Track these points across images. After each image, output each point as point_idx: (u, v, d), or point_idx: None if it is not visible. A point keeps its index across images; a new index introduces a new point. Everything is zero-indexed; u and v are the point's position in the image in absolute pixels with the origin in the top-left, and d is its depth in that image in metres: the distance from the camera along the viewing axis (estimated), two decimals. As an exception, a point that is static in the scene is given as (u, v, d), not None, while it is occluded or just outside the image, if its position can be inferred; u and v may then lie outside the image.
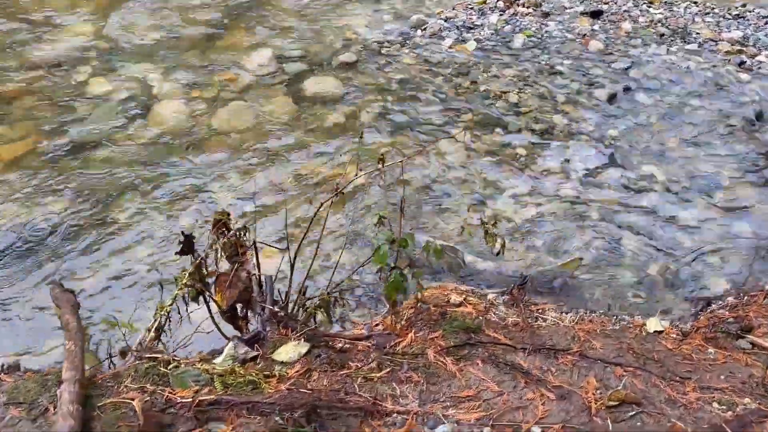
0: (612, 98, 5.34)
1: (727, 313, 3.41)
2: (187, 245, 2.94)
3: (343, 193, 3.08)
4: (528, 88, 5.45)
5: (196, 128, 5.00)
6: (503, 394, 2.57)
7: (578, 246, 4.03)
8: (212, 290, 3.06)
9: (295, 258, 2.95)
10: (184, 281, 2.69)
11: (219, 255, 2.93)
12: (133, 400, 2.34)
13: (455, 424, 2.44)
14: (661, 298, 3.69)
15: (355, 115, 5.18)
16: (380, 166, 2.75)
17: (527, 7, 6.63)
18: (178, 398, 2.39)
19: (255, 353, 2.96)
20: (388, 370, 2.66)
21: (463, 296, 3.36)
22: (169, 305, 2.70)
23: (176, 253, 2.93)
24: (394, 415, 2.46)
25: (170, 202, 4.31)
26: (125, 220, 4.19)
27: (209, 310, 3.09)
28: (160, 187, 4.43)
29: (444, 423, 2.44)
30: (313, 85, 5.49)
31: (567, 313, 3.36)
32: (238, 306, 3.19)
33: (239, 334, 3.07)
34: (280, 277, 3.23)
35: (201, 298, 3.04)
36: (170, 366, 2.53)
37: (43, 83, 5.41)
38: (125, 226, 4.14)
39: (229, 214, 2.92)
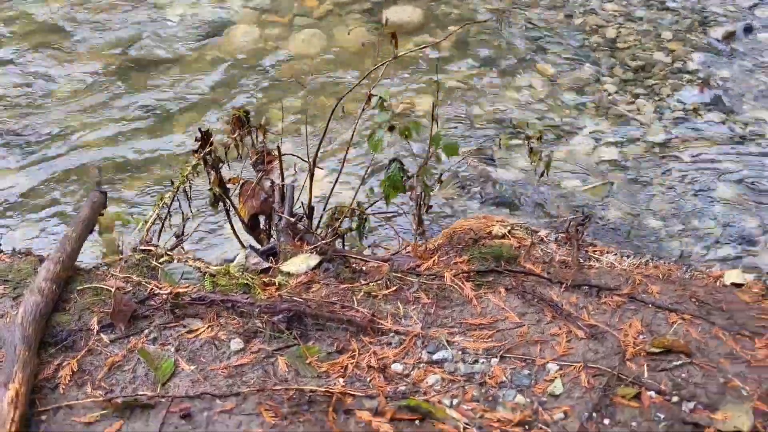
0: (729, 37, 4.64)
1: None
2: (205, 141, 2.76)
3: (371, 97, 2.75)
4: (630, 23, 4.85)
5: (267, 53, 4.85)
6: (522, 326, 2.21)
7: (659, 192, 3.51)
8: (234, 199, 2.90)
9: (313, 168, 2.69)
10: (186, 174, 2.51)
11: (238, 153, 2.73)
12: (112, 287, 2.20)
13: (459, 352, 2.11)
14: (751, 255, 3.13)
15: (435, 46, 4.82)
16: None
17: (644, -59, 5.92)
18: (161, 291, 2.22)
19: (267, 265, 2.76)
20: (396, 288, 2.36)
21: (508, 228, 2.98)
22: (170, 197, 2.53)
23: (194, 152, 2.76)
24: (391, 334, 2.17)
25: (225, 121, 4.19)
26: (182, 137, 4.11)
27: (229, 218, 2.93)
28: (219, 107, 4.32)
29: (446, 349, 2.12)
30: (392, 14, 5.16)
31: (628, 257, 2.90)
32: (261, 218, 3.01)
33: (256, 245, 2.89)
34: (322, 197, 3.02)
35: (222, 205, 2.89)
36: (162, 260, 2.37)
37: (126, 3, 5.45)
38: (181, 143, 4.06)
39: (248, 113, 2.71)
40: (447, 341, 2.14)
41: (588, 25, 4.86)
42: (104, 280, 2.29)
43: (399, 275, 2.43)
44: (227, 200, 2.87)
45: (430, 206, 2.60)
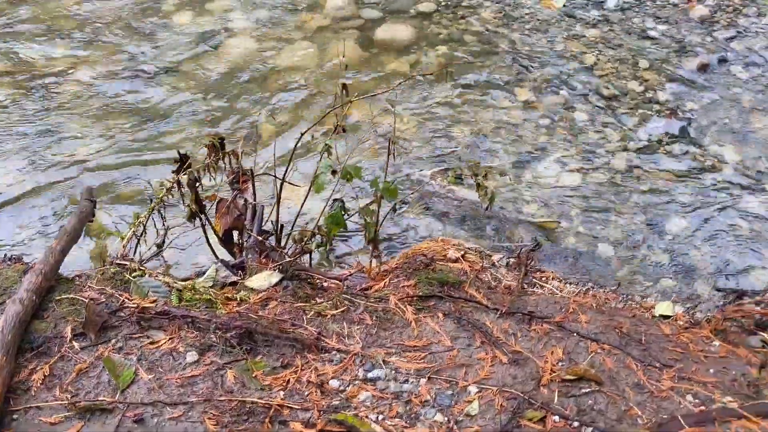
0: (703, 68, 4.83)
1: (757, 309, 3.02)
2: (182, 163, 3.01)
3: (345, 131, 3.00)
4: (609, 50, 5.05)
5: (260, 64, 5.08)
6: (453, 350, 2.45)
7: (616, 220, 3.72)
8: (212, 214, 3.15)
9: (281, 188, 2.93)
10: (161, 196, 2.76)
11: (211, 176, 2.98)
12: (87, 299, 2.46)
13: (392, 371, 2.35)
14: (692, 285, 3.34)
15: (420, 66, 5.04)
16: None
17: (635, -34, 6.09)
18: (131, 304, 2.48)
19: (236, 279, 3.02)
20: (344, 309, 2.60)
21: (462, 252, 3.21)
22: (145, 216, 2.78)
23: (173, 172, 3.01)
24: (334, 352, 2.41)
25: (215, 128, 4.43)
26: (172, 143, 4.35)
27: (205, 233, 3.18)
28: (210, 114, 4.56)
29: (381, 368, 2.36)
30: (382, 32, 5.40)
31: (571, 284, 3.13)
32: (235, 233, 3.26)
33: (227, 259, 3.14)
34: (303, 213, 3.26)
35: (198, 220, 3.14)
36: (134, 274, 2.62)
37: (134, 10, 5.70)
38: (171, 146, 4.30)
39: (222, 139, 2.95)
40: (383, 361, 2.39)
41: (569, 51, 5.06)
42: (81, 291, 2.54)
43: (348, 297, 2.67)
44: (203, 216, 3.12)
45: (377, 242, 2.82)
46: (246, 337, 2.36)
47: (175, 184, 2.78)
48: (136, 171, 4.08)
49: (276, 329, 2.42)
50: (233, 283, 2.96)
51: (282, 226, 3.18)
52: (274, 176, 3.04)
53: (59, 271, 2.73)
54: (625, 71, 4.82)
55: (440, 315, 2.61)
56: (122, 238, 2.79)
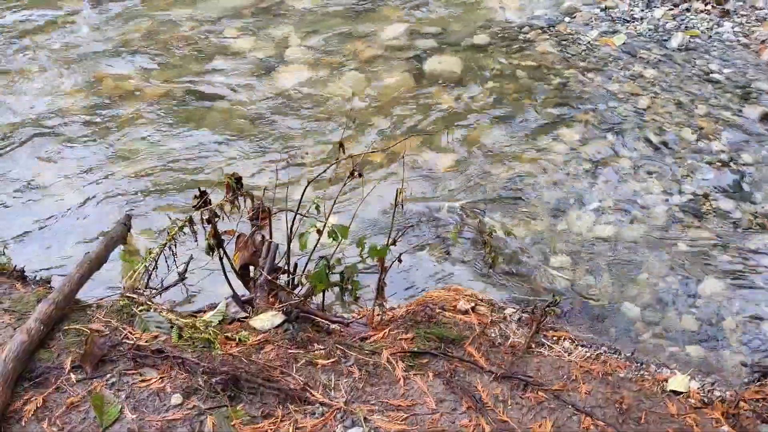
0: (765, 118, 4.56)
1: (784, 391, 2.83)
2: (203, 200, 3.11)
3: (361, 175, 3.02)
4: (666, 93, 4.85)
5: (312, 92, 5.18)
6: (436, 413, 2.41)
7: (647, 278, 3.57)
8: (226, 249, 3.23)
9: (291, 227, 2.97)
10: (173, 234, 2.86)
11: (225, 215, 3.06)
12: (92, 330, 2.58)
13: (372, 430, 2.35)
14: (718, 358, 3.16)
15: (468, 100, 5.00)
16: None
17: (707, 4, 5.84)
18: (126, 340, 2.58)
19: (244, 315, 3.08)
20: (335, 359, 2.61)
21: (473, 303, 3.16)
22: (158, 252, 2.88)
23: (193, 207, 3.11)
24: (317, 405, 2.42)
25: (262, 155, 4.53)
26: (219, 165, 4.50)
27: (222, 266, 3.26)
28: (258, 141, 4.68)
29: (361, 426, 2.36)
30: (434, 64, 5.40)
31: (583, 347, 3.02)
32: (252, 267, 3.33)
33: (243, 293, 3.21)
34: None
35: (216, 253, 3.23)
36: (141, 308, 2.73)
37: (199, 35, 5.93)
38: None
39: (239, 178, 3.03)
40: (364, 419, 2.38)
41: (623, 92, 4.90)
42: (89, 322, 2.67)
43: (343, 346, 2.68)
44: (221, 250, 3.21)
45: (383, 291, 2.82)
46: (231, 383, 2.41)
47: (187, 222, 2.87)
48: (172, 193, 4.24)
49: (262, 377, 2.46)
50: (243, 318, 3.03)
51: (296, 264, 3.22)
52: (296, 212, 3.08)
53: (78, 297, 2.89)
54: (680, 117, 4.62)
55: (431, 374, 2.58)
56: (134, 271, 2.91)
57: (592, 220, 3.92)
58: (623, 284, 3.56)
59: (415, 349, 2.69)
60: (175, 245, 2.93)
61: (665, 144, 4.41)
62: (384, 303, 2.97)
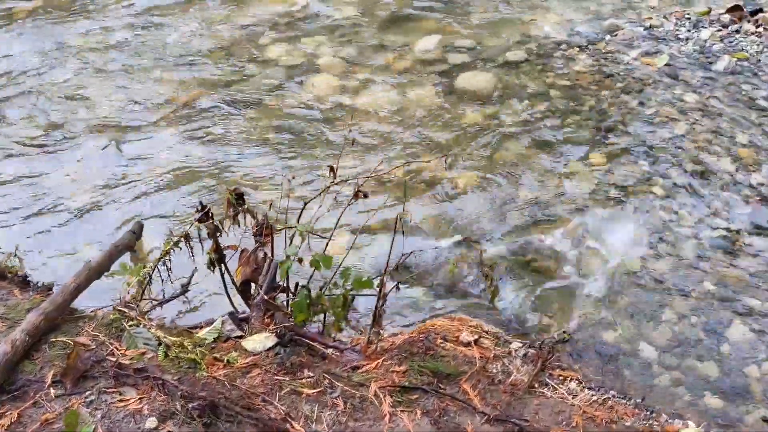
0: (813, 150, 4.29)
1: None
2: (204, 215, 3.06)
3: (366, 196, 2.93)
4: (707, 120, 4.60)
5: (339, 102, 5.11)
6: (418, 456, 2.29)
7: (669, 318, 3.36)
8: (228, 263, 3.17)
9: (290, 244, 2.88)
10: (167, 249, 2.81)
11: (229, 229, 3.00)
12: (78, 344, 2.54)
13: (349, 469, 2.24)
14: (738, 410, 2.94)
15: (497, 119, 4.85)
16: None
17: (759, 26, 5.55)
18: (109, 357, 2.53)
19: (240, 334, 3.02)
20: (321, 389, 2.51)
21: (477, 336, 3.02)
22: (152, 267, 2.84)
23: (195, 220, 3.06)
24: (296, 437, 2.33)
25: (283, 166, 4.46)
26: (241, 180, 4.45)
27: (223, 281, 3.20)
28: (279, 151, 4.62)
29: (339, 464, 2.26)
30: (466, 79, 5.26)
31: (590, 389, 2.85)
32: (253, 284, 3.27)
33: (238, 311, 3.14)
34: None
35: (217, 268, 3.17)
36: (131, 323, 2.68)
37: (234, 42, 5.93)
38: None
39: (240, 194, 2.97)
40: (343, 456, 2.28)
41: (660, 116, 4.67)
42: (78, 334, 2.64)
43: (330, 376, 2.58)
44: (222, 265, 3.15)
45: (380, 319, 2.71)
46: (209, 409, 2.33)
47: (182, 238, 2.82)
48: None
49: (242, 404, 2.38)
50: (238, 338, 2.97)
51: (297, 284, 3.14)
52: (309, 231, 3.00)
53: (75, 307, 2.87)
54: (719, 145, 4.38)
55: (419, 412, 2.46)
56: (127, 284, 2.87)
57: (615, 252, 3.72)
58: (643, 322, 3.36)
59: (406, 384, 2.57)
60: (170, 260, 2.88)
61: (701, 174, 4.18)
62: (381, 330, 2.86)
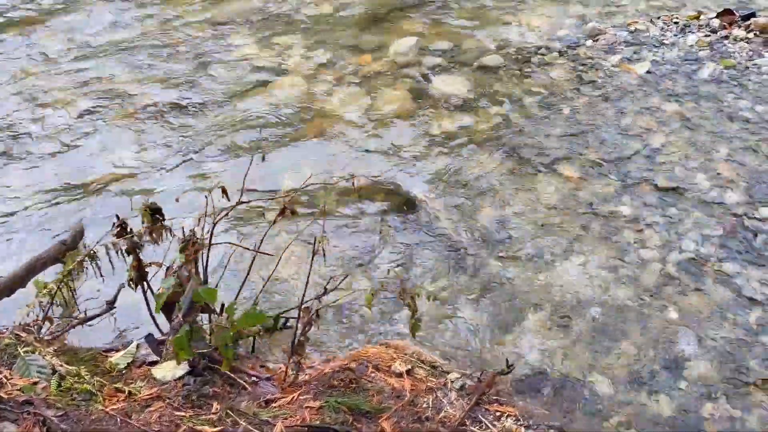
0: (796, 166, 4.02)
1: None
2: (122, 230, 2.86)
3: (295, 213, 2.72)
4: (685, 131, 4.35)
5: (305, 106, 4.89)
6: None
7: (625, 350, 3.13)
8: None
9: (206, 261, 2.69)
10: (69, 268, 2.61)
11: (145, 245, 2.81)
12: (-37, 371, 2.35)
13: None
14: (691, 452, 2.71)
15: (469, 125, 4.62)
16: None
17: (750, 32, 5.27)
18: (7, 384, 2.34)
19: (155, 359, 2.82)
20: (221, 428, 2.31)
21: (410, 366, 2.81)
22: (53, 288, 2.64)
23: (113, 235, 2.87)
24: (183, 483, 2.13)
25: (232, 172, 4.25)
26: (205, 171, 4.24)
27: (146, 300, 3.01)
28: (234, 153, 4.42)
29: None
30: (439, 83, 5.04)
31: (528, 429, 2.63)
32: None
33: (156, 334, 2.95)
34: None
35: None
36: (26, 349, 2.49)
37: (201, 41, 5.73)
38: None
39: (157, 210, 2.76)
40: (233, 506, 2.07)
41: (636, 127, 4.42)
42: (-33, 359, 2.44)
43: (234, 413, 2.37)
44: (144, 283, 2.95)
45: (300, 348, 2.49)
46: (91, 450, 2.14)
47: (86, 257, 2.62)
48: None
49: (129, 446, 2.17)
50: (153, 363, 2.77)
51: (223, 305, 2.94)
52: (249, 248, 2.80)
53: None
54: (696, 159, 4.12)
55: (324, 457, 2.25)
56: (27, 306, 2.68)
57: (575, 275, 3.49)
58: (598, 353, 3.13)
59: (316, 423, 2.35)
60: (73, 280, 2.68)
61: (673, 189, 3.93)
62: (301, 360, 2.64)
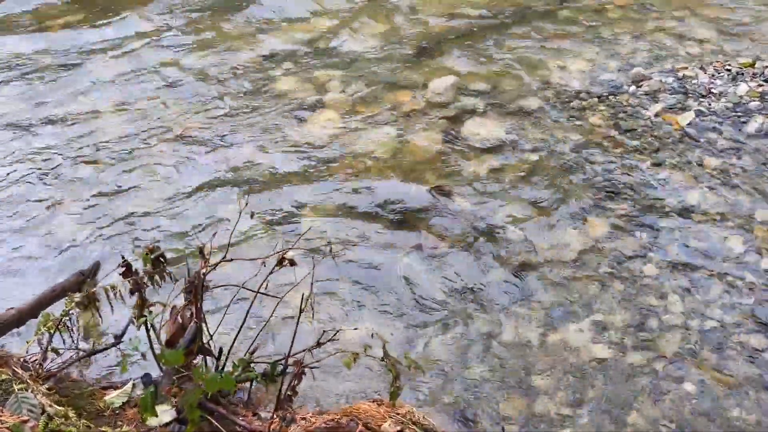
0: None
1: None
2: (128, 270, 2.91)
3: (294, 263, 2.72)
4: (724, 189, 4.15)
5: (335, 143, 4.91)
6: None
7: (635, 423, 2.98)
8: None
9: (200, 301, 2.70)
10: (68, 310, 2.67)
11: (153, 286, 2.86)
12: (-44, 406, 2.43)
13: None
14: None
15: (499, 169, 4.54)
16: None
17: (807, 82, 5.01)
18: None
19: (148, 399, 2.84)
20: (192, 484, 2.30)
21: (400, 426, 2.74)
22: (52, 325, 2.70)
23: (120, 274, 2.93)
24: None
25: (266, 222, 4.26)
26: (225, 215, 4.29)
27: (149, 338, 3.05)
28: (265, 195, 4.45)
29: None
30: (472, 126, 4.97)
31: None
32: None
33: (150, 375, 2.97)
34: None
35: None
36: (21, 386, 2.55)
37: (247, 73, 5.84)
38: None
39: (159, 255, 2.81)
40: None
41: (673, 182, 4.25)
42: (-37, 394, 2.52)
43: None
44: (147, 322, 2.99)
45: (284, 403, 2.47)
46: (62, 498, 2.16)
47: (83, 300, 2.68)
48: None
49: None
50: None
51: (221, 349, 2.96)
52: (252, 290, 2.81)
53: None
54: (732, 221, 3.92)
55: None
56: (27, 342, 2.75)
57: (589, 337, 3.36)
58: (604, 424, 2.99)
59: (292, 485, 2.32)
60: (70, 320, 2.74)
61: (705, 252, 3.74)
62: (289, 414, 2.62)
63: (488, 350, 3.33)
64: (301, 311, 2.48)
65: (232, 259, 2.63)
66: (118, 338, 3.25)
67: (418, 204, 4.32)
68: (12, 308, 3.03)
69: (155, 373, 3.00)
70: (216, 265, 2.62)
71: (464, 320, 3.49)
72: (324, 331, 2.70)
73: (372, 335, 2.59)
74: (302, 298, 2.45)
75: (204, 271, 2.62)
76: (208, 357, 2.98)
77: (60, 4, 6.98)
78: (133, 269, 2.90)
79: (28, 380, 2.58)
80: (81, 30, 6.48)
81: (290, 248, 2.72)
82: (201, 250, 2.65)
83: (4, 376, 2.60)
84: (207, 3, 6.96)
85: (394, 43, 6.17)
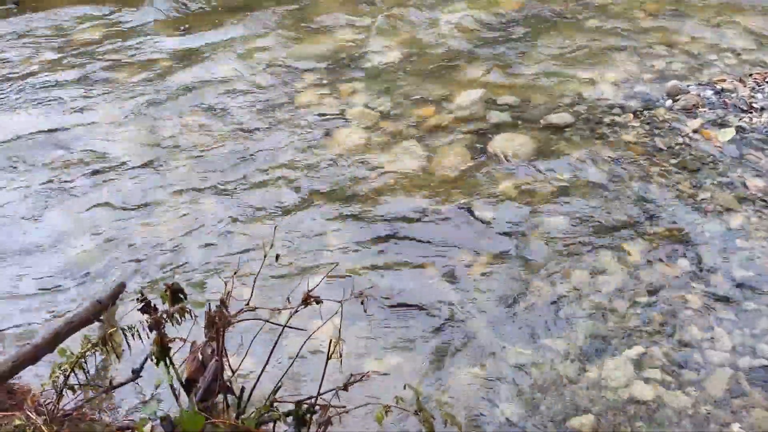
0: None
1: None
2: (146, 306, 2.79)
3: (320, 302, 2.58)
4: (769, 212, 3.94)
5: (359, 161, 4.77)
6: None
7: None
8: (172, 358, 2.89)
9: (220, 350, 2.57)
10: (84, 351, 2.55)
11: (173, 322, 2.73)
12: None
13: None
14: None
15: (529, 189, 4.37)
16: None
17: None
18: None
19: (165, 444, 2.72)
20: None
21: (432, 479, 2.58)
22: (68, 367, 2.58)
23: (138, 310, 2.81)
24: None
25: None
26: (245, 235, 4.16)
27: (169, 378, 2.92)
28: (288, 218, 4.31)
29: None
30: (500, 141, 4.80)
31: None
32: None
33: (170, 417, 2.85)
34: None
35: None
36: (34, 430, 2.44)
37: (271, 83, 5.72)
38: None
39: (177, 291, 2.68)
40: None
41: (713, 204, 4.04)
42: (-24, 439, 2.42)
43: None
44: (166, 359, 2.87)
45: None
46: None
47: (99, 341, 2.56)
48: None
49: None
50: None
51: (243, 389, 2.82)
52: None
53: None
54: (781, 247, 3.72)
55: None
56: (42, 385, 2.63)
57: (630, 374, 3.17)
58: (647, 471, 2.81)
59: None
60: (86, 362, 2.62)
61: (750, 283, 3.54)
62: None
63: (520, 387, 3.16)
64: (328, 357, 2.33)
65: (255, 308, 2.49)
66: (136, 373, 3.13)
67: (446, 224, 4.16)
68: (28, 343, 2.92)
69: (174, 410, 2.90)
70: (237, 314, 2.49)
71: (497, 352, 3.33)
72: (351, 374, 2.55)
73: (405, 387, 2.43)
74: (329, 343, 2.30)
75: (225, 313, 2.49)
76: (229, 395, 2.87)
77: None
78: (152, 305, 2.78)
79: (43, 427, 2.46)
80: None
81: (315, 287, 2.58)
82: (222, 302, 2.52)
83: (17, 422, 2.49)
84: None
85: (417, 55, 6.01)
